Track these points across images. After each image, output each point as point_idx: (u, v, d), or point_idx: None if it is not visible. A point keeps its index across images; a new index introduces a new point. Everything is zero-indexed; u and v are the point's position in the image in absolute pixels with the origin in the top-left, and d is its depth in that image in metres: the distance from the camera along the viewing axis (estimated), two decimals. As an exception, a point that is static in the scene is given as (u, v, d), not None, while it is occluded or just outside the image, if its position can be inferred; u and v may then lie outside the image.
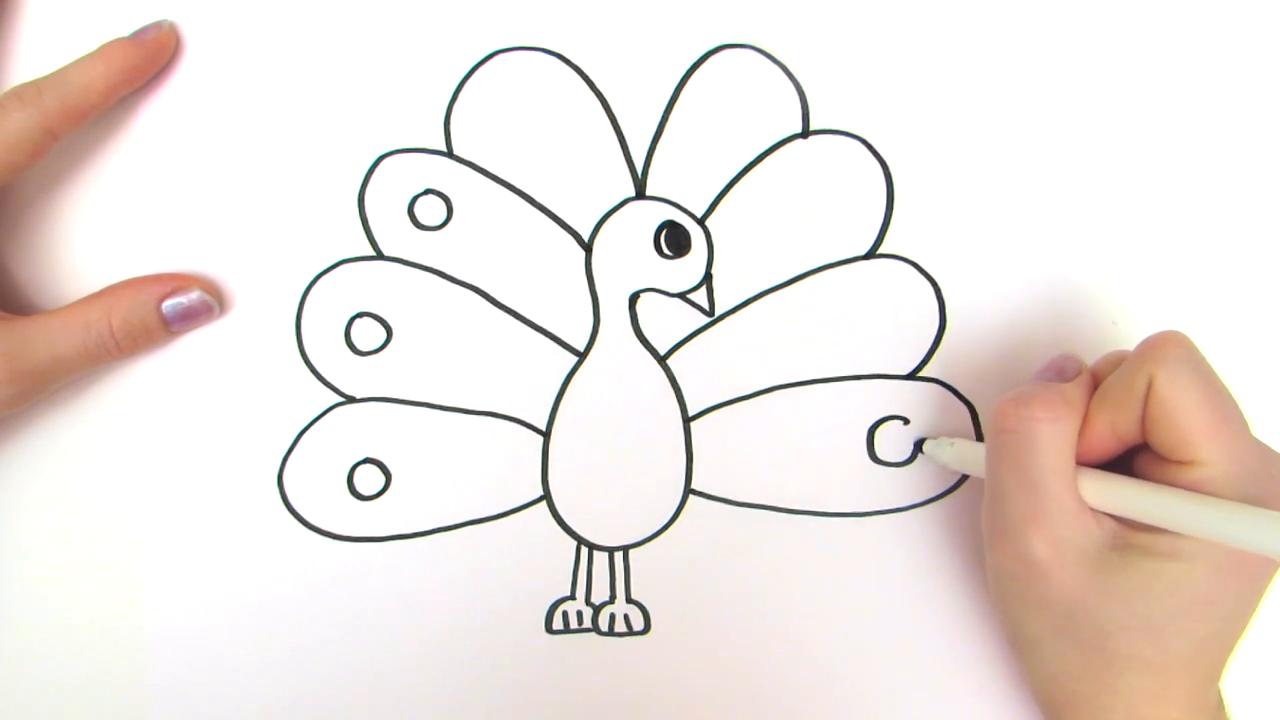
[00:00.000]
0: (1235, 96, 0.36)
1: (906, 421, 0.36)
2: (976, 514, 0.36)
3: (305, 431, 0.36)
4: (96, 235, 0.35)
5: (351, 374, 0.36)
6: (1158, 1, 0.36)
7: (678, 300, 0.36)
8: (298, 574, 0.36)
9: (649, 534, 0.36)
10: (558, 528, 0.36)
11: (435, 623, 0.36)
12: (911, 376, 0.36)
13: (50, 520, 0.36)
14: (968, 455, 0.34)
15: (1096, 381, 0.31)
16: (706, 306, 0.36)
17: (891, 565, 0.36)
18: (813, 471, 0.36)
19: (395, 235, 0.36)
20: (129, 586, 0.36)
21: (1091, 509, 0.29)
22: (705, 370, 0.36)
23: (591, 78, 0.36)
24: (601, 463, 0.36)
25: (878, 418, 0.36)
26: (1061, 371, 0.32)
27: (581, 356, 0.36)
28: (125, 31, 0.34)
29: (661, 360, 0.36)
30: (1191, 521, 0.27)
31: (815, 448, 0.36)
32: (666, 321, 0.36)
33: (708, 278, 0.36)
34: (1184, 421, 0.28)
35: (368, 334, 0.36)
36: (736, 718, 0.36)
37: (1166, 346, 0.29)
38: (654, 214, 0.36)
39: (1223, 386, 0.29)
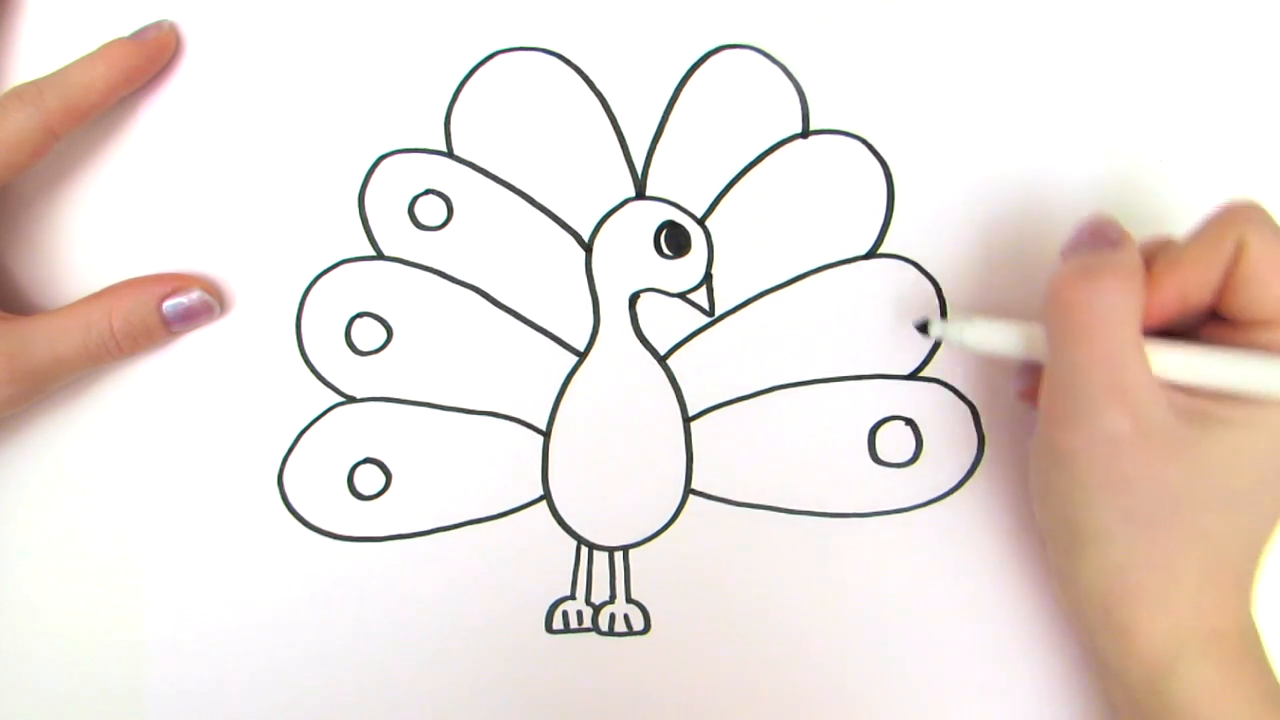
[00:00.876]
0: (1239, 106, 0.36)
1: (908, 422, 0.36)
2: (978, 515, 0.36)
3: (305, 431, 0.36)
4: (96, 235, 0.35)
5: (351, 374, 0.36)
6: (1151, 12, 0.36)
7: (678, 300, 0.36)
8: (298, 574, 0.36)
9: (649, 534, 0.36)
10: (558, 528, 0.36)
11: (435, 622, 0.36)
12: (912, 376, 0.36)
13: (50, 520, 0.36)
14: (1001, 335, 0.31)
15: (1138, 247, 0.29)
16: (706, 306, 0.36)
17: (892, 566, 0.36)
18: (813, 472, 0.36)
19: (395, 235, 0.36)
20: (128, 586, 0.36)
21: (1160, 384, 0.28)
22: (705, 370, 0.36)
23: (591, 78, 0.36)
24: (601, 463, 0.36)
25: (878, 418, 0.36)
26: (1105, 235, 0.29)
27: (581, 356, 0.36)
28: (125, 31, 0.34)
29: (661, 360, 0.36)
30: (1271, 383, 0.26)
31: (815, 448, 0.36)
32: (666, 321, 0.36)
33: (708, 278, 0.36)
34: (1276, 280, 0.27)
35: (368, 334, 0.36)
36: (736, 718, 0.36)
37: (1257, 210, 0.28)
38: (654, 214, 0.36)
39: None
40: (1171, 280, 0.29)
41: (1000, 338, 0.31)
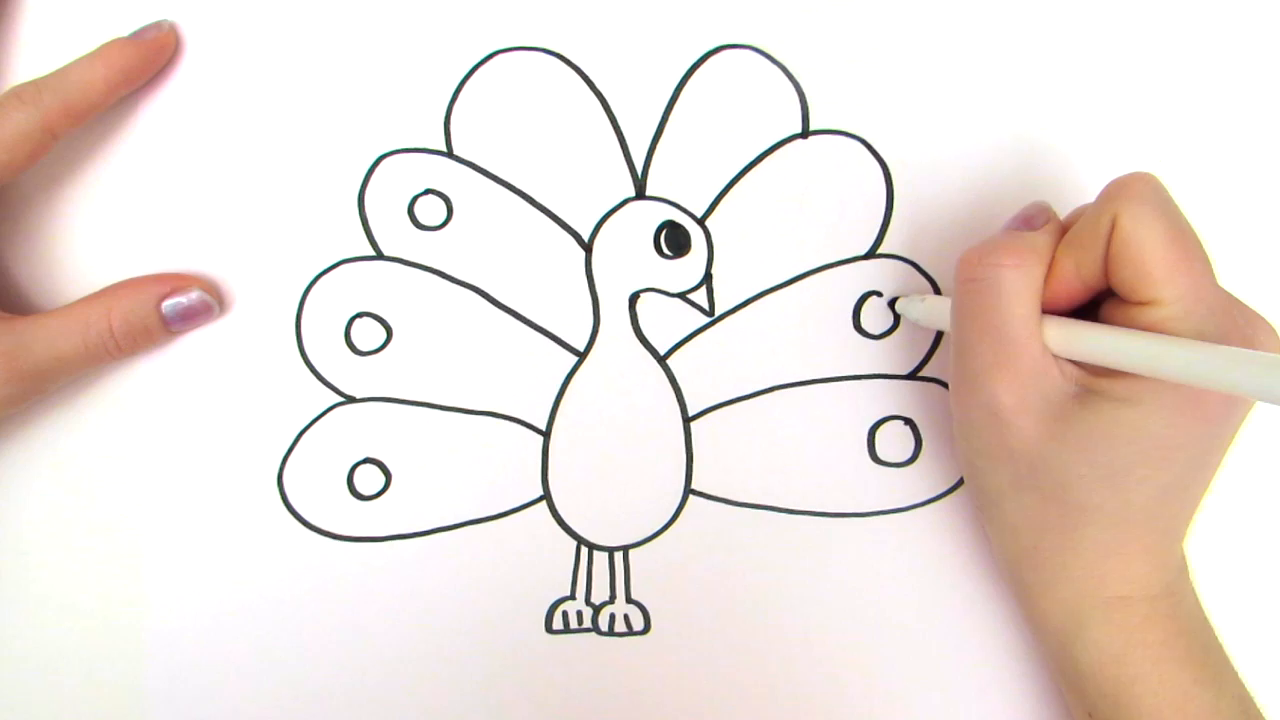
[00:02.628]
0: (1239, 108, 0.36)
1: (908, 421, 0.36)
2: (978, 515, 0.36)
3: (305, 431, 0.36)
4: (96, 235, 0.35)
5: (351, 374, 0.36)
6: (1151, 12, 0.36)
7: (678, 300, 0.36)
8: (298, 574, 0.36)
9: (649, 534, 0.36)
10: (558, 528, 0.36)
11: (435, 622, 0.36)
12: (911, 376, 0.36)
13: (50, 520, 0.36)
14: (937, 310, 0.33)
15: (1064, 231, 0.30)
16: (706, 306, 0.36)
17: (891, 565, 0.36)
18: (813, 472, 0.36)
19: (395, 235, 0.36)
20: (129, 586, 0.36)
21: (1056, 358, 0.29)
22: (705, 370, 0.36)
23: (591, 78, 0.36)
24: (601, 463, 0.36)
25: (878, 418, 0.36)
26: (1029, 220, 0.31)
27: (581, 356, 0.36)
28: (125, 31, 0.34)
29: (661, 360, 0.36)
30: (1149, 361, 0.26)
31: (815, 448, 0.36)
32: (666, 321, 0.36)
33: (708, 278, 0.36)
34: (1146, 259, 0.27)
35: (368, 334, 0.36)
36: (736, 718, 0.36)
37: (1132, 185, 0.28)
38: (654, 214, 0.36)
39: (1188, 227, 0.28)
40: (1066, 259, 0.29)
41: (936, 312, 0.33)
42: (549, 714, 0.36)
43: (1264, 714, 0.31)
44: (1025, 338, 0.28)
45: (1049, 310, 0.29)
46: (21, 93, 0.32)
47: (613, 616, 0.36)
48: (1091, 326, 0.28)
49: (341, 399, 0.36)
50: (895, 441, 0.36)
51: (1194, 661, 0.30)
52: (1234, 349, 0.25)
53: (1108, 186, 0.29)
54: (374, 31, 0.35)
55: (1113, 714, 0.30)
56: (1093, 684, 0.30)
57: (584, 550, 0.36)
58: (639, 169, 0.36)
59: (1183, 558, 0.31)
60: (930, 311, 0.34)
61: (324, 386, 0.36)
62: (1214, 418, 0.28)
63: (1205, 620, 0.31)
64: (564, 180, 0.36)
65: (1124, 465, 0.28)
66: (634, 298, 0.36)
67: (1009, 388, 0.29)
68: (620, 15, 0.36)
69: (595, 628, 0.36)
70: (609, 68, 0.36)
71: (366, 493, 0.36)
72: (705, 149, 0.36)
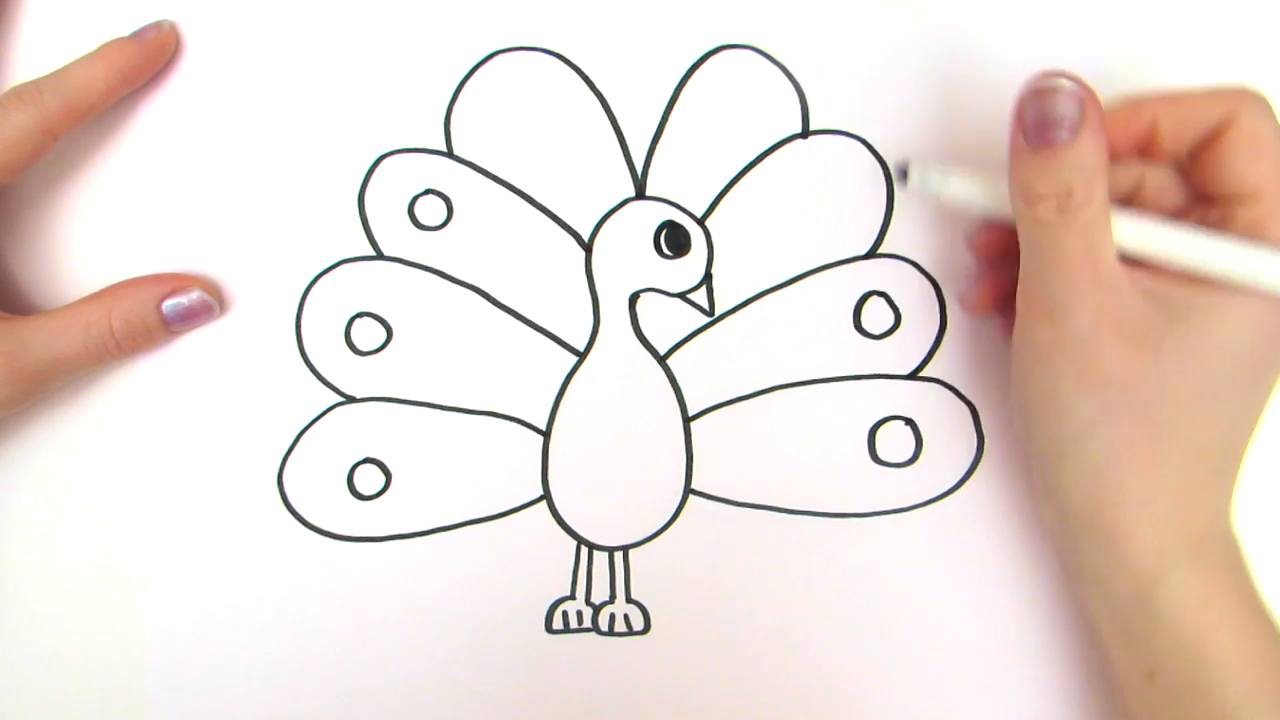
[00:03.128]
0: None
1: (908, 421, 0.36)
2: (978, 515, 0.36)
3: (305, 431, 0.36)
4: (96, 235, 0.35)
5: (351, 374, 0.36)
6: (1151, 12, 0.36)
7: (678, 300, 0.36)
8: (297, 574, 0.36)
9: (649, 534, 0.36)
10: (558, 528, 0.36)
11: (435, 623, 0.36)
12: (912, 376, 0.36)
13: (49, 520, 0.36)
14: (977, 189, 0.30)
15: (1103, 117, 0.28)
16: (706, 306, 0.36)
17: (891, 566, 0.36)
18: (813, 472, 0.36)
19: (395, 235, 0.36)
20: (128, 586, 0.36)
21: (1130, 269, 0.28)
22: (705, 370, 0.36)
23: (591, 78, 0.36)
24: (601, 463, 0.36)
25: (878, 418, 0.36)
26: (1053, 120, 0.27)
27: (581, 356, 0.36)
28: (125, 31, 0.34)
29: (661, 360, 0.36)
30: (1241, 267, 0.25)
31: (815, 448, 0.36)
32: (666, 321, 0.36)
33: (708, 278, 0.36)
34: (1264, 153, 0.27)
35: (368, 334, 0.36)
36: (736, 718, 0.36)
37: (1260, 96, 0.28)
38: (654, 214, 0.36)
39: None
40: (1143, 114, 0.28)
41: (980, 193, 0.30)
42: (549, 714, 0.36)
43: None
44: (1110, 261, 0.27)
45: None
46: (21, 93, 0.32)
47: (613, 616, 0.36)
48: (1177, 227, 0.27)
49: (341, 399, 0.36)
50: (896, 442, 0.36)
51: (1265, 611, 0.29)
52: None
53: (1215, 87, 0.28)
54: (374, 31, 0.35)
55: (1185, 669, 0.28)
56: (1170, 635, 0.28)
57: (584, 550, 0.36)
58: (639, 169, 0.36)
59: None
60: (965, 190, 0.30)
61: (324, 386, 0.36)
62: None
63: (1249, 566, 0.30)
64: (564, 180, 0.36)
65: (1216, 381, 0.27)
66: (634, 298, 0.36)
67: (1097, 313, 0.27)
68: (620, 15, 0.36)
69: (595, 628, 0.36)
70: (609, 68, 0.36)
71: (366, 493, 0.36)
72: (705, 149, 0.36)
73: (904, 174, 0.31)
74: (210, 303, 0.35)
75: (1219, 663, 0.28)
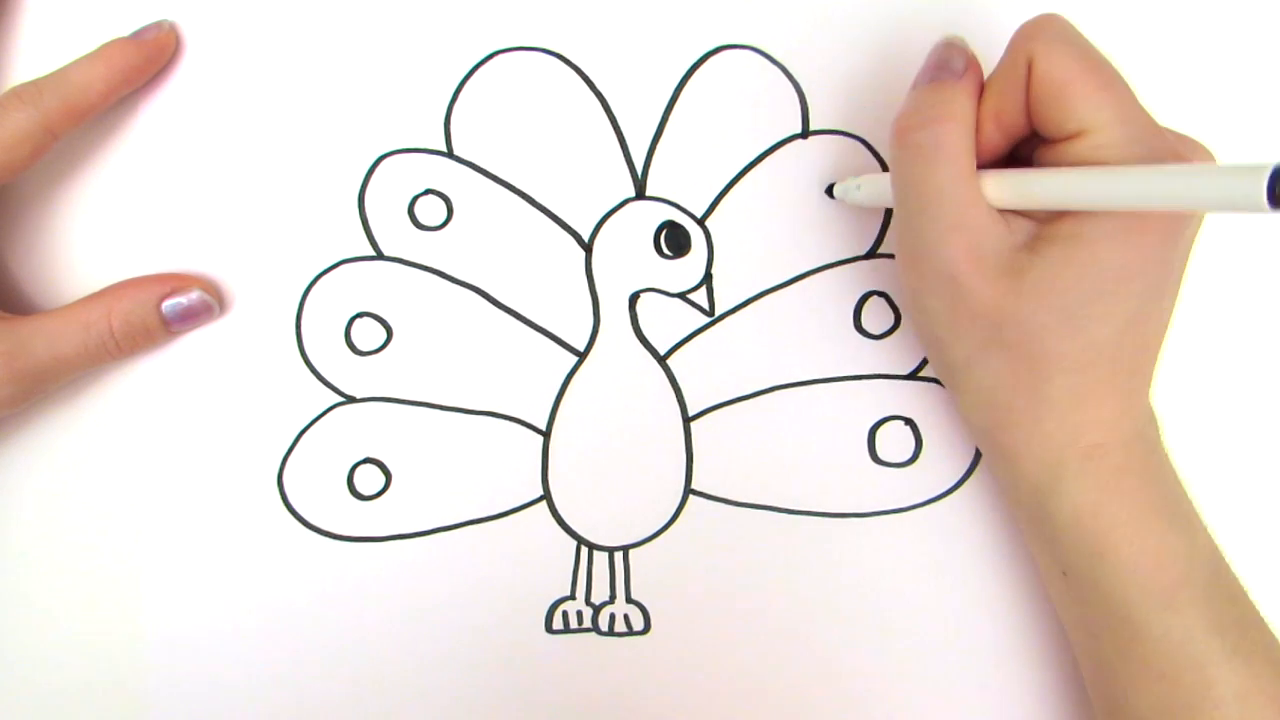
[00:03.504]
0: (1239, 115, 0.36)
1: (908, 421, 0.36)
2: (978, 515, 0.36)
3: (305, 431, 0.36)
4: (96, 235, 0.35)
5: (351, 374, 0.36)
6: (1148, 11, 0.36)
7: (678, 300, 0.36)
8: (298, 574, 0.36)
9: (649, 534, 0.36)
10: (558, 528, 0.36)
11: (435, 622, 0.36)
12: (912, 376, 0.36)
13: (49, 520, 0.36)
14: (879, 187, 0.33)
15: (982, 80, 0.30)
16: (706, 306, 0.36)
17: (891, 566, 0.36)
18: (813, 472, 0.36)
19: (395, 235, 0.36)
20: (128, 586, 0.36)
21: (1000, 211, 0.29)
22: (705, 370, 0.36)
23: (591, 78, 0.36)
24: (601, 463, 0.36)
25: (878, 418, 0.36)
26: (946, 65, 0.30)
27: (581, 356, 0.36)
28: (125, 31, 0.34)
29: (661, 360, 0.36)
30: (1089, 194, 0.26)
31: (815, 448, 0.36)
32: (666, 321, 0.36)
33: (708, 278, 0.36)
34: (1068, 91, 0.27)
35: (368, 334, 0.36)
36: (736, 718, 0.36)
37: (1042, 24, 0.28)
38: (654, 214, 0.36)
39: (1102, 56, 0.28)
40: (987, 110, 0.29)
41: (879, 190, 0.33)
42: (549, 714, 0.36)
43: (1231, 566, 0.31)
44: (970, 197, 0.28)
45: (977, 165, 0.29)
46: (21, 93, 0.32)
47: (613, 616, 0.36)
48: (1026, 172, 0.28)
49: (341, 399, 0.36)
50: (895, 441, 0.36)
51: (1167, 510, 0.30)
52: (1169, 165, 0.24)
53: (1016, 33, 0.29)
54: (374, 31, 0.35)
55: (1089, 568, 0.30)
56: (1069, 538, 0.30)
57: (584, 550, 0.36)
58: (639, 169, 0.36)
59: (1151, 408, 0.31)
60: (872, 191, 0.33)
61: (324, 386, 0.36)
62: (1162, 240, 0.28)
63: (1176, 473, 0.31)
64: (564, 180, 0.36)
65: (1082, 304, 0.28)
66: (634, 298, 0.36)
67: (960, 251, 0.29)
68: (620, 15, 0.36)
69: (595, 628, 0.36)
70: (609, 68, 0.36)
71: (366, 493, 0.36)
72: (705, 149, 0.36)
73: (829, 191, 0.36)
74: (210, 303, 0.35)
75: (1114, 563, 0.29)
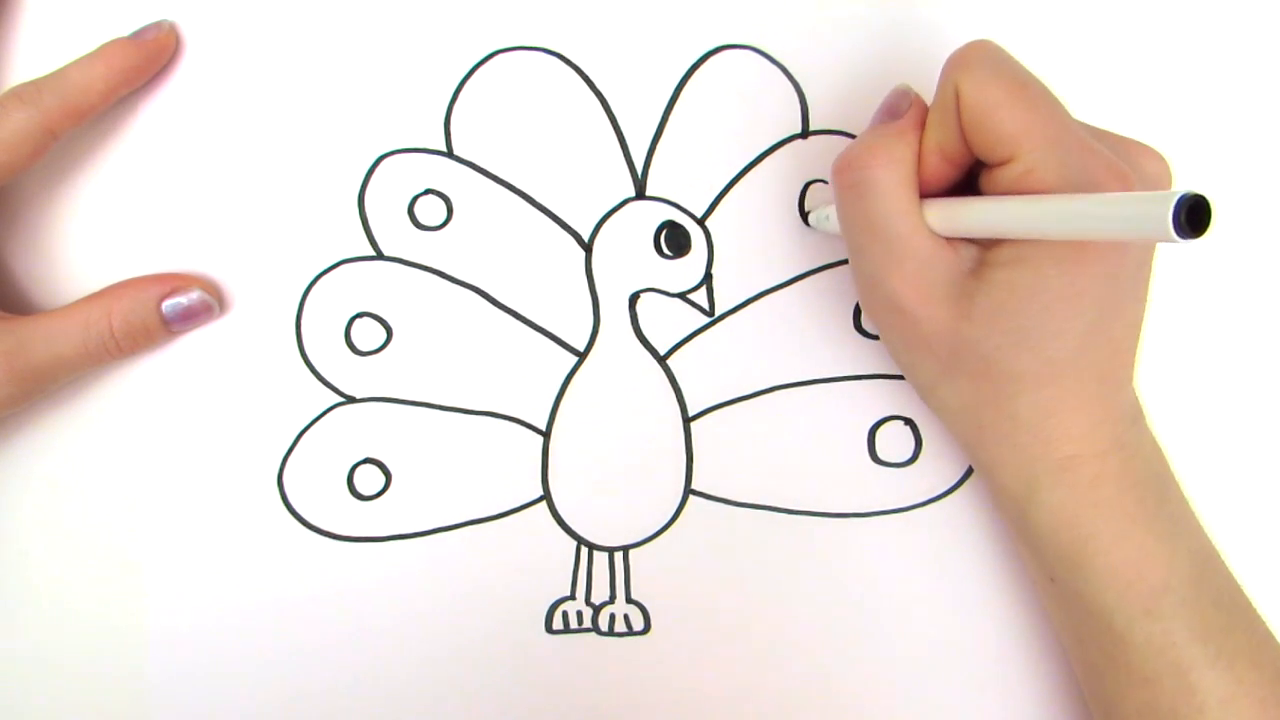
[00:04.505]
0: (1241, 116, 0.36)
1: (908, 421, 0.36)
2: (978, 515, 0.36)
3: (305, 431, 0.36)
4: (96, 235, 0.35)
5: (351, 374, 0.36)
6: (1146, 9, 0.36)
7: (678, 300, 0.36)
8: (298, 574, 0.36)
9: (649, 534, 0.36)
10: (558, 528, 0.36)
11: (435, 622, 0.36)
12: (912, 376, 0.36)
13: (50, 520, 0.36)
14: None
15: (923, 117, 0.30)
16: (706, 306, 0.36)
17: (891, 566, 0.36)
18: (813, 472, 0.36)
19: (395, 235, 0.36)
20: (129, 586, 0.36)
21: (947, 240, 0.29)
22: (705, 370, 0.36)
23: (591, 78, 0.36)
24: (601, 463, 0.36)
25: (878, 418, 0.36)
26: (893, 109, 0.31)
27: (581, 356, 0.36)
28: (125, 31, 0.34)
29: (661, 360, 0.36)
30: (1012, 221, 0.26)
31: (815, 448, 0.36)
32: (666, 321, 0.36)
33: (708, 278, 0.36)
34: (993, 119, 0.27)
35: (368, 334, 0.36)
36: (736, 718, 0.36)
37: (966, 53, 0.28)
38: (654, 214, 0.36)
39: (1032, 78, 0.28)
40: (930, 142, 0.29)
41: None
42: (549, 714, 0.36)
43: (1226, 565, 0.31)
44: (909, 230, 0.29)
45: (927, 194, 0.29)
46: (21, 93, 0.32)
47: (613, 616, 0.36)
48: (963, 201, 0.28)
49: (341, 399, 0.36)
50: (895, 441, 0.36)
51: (1147, 516, 0.29)
52: (1081, 195, 0.25)
53: (945, 62, 0.29)
54: (374, 31, 0.35)
55: (1071, 576, 0.30)
56: (1050, 547, 0.30)
57: (584, 550, 0.36)
58: (639, 169, 0.36)
59: (1134, 407, 0.31)
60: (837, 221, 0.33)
61: (324, 386, 0.36)
62: (1104, 257, 0.28)
63: (1163, 473, 0.31)
64: (564, 180, 0.36)
65: (1033, 325, 0.28)
66: (634, 298, 0.36)
67: (906, 282, 0.29)
68: (620, 15, 0.36)
69: (595, 628, 0.36)
70: (609, 68, 0.36)
71: (366, 493, 0.36)
72: (705, 149, 0.36)
73: (805, 217, 0.36)
74: (210, 303, 0.35)
75: (1094, 571, 0.29)
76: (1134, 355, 0.30)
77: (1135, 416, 0.31)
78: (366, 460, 0.36)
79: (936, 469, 0.36)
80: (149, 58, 0.34)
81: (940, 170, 0.29)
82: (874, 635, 0.36)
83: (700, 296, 0.36)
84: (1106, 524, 0.29)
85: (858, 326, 0.36)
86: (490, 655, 0.36)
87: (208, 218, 0.35)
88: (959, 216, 0.28)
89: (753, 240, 0.36)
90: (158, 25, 0.34)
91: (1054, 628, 0.33)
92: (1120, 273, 0.28)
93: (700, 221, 0.36)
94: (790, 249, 0.36)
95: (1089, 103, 0.36)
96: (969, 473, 0.36)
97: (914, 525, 0.36)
